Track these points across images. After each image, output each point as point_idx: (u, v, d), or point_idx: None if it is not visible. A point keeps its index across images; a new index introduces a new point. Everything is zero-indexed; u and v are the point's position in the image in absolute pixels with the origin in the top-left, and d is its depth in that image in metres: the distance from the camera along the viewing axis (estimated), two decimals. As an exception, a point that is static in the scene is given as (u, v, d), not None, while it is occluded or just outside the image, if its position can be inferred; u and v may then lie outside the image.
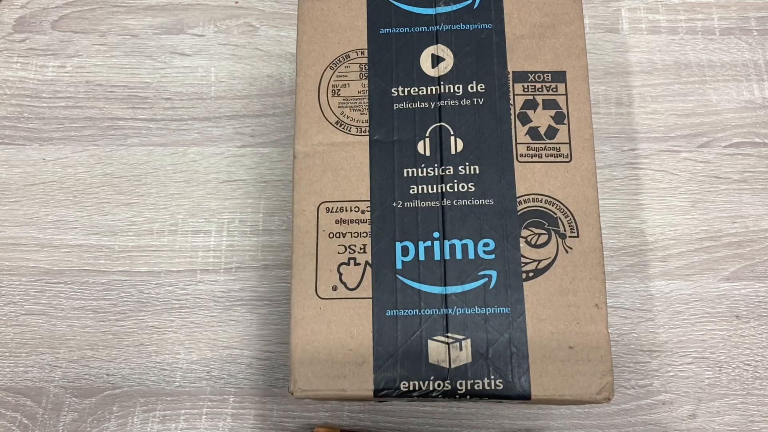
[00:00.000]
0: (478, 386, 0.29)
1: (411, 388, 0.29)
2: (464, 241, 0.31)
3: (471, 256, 0.31)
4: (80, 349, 0.42)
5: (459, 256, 0.31)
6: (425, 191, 0.32)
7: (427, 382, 0.29)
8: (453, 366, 0.29)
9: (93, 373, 0.42)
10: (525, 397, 0.29)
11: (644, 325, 0.42)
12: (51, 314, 0.43)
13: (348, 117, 0.34)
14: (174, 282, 0.43)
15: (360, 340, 0.30)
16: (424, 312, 0.30)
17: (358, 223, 0.32)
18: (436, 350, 0.29)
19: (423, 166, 0.32)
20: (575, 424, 0.40)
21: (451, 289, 0.30)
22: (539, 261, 0.30)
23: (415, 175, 0.32)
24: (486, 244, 0.31)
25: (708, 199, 0.44)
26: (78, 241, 0.44)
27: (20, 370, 0.42)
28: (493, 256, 0.31)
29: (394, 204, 0.32)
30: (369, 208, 0.32)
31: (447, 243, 0.31)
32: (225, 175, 0.45)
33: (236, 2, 0.49)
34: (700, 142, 0.45)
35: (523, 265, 0.30)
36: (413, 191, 0.32)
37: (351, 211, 0.32)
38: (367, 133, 0.33)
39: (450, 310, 0.30)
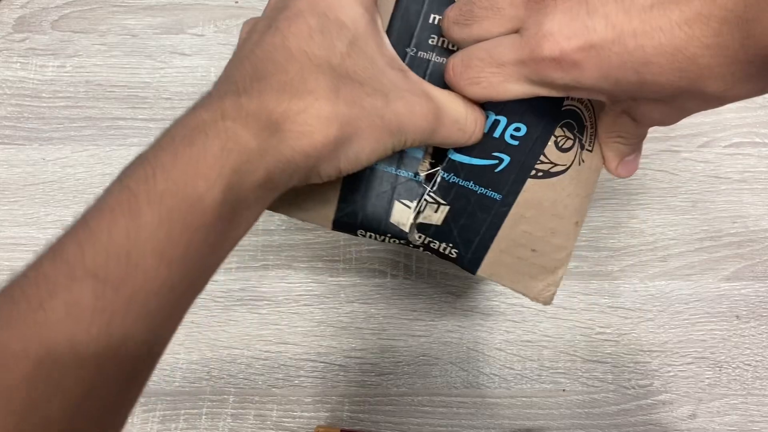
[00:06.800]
0: (434, 245, 0.29)
1: (368, 238, 0.29)
2: (498, 117, 0.28)
3: (496, 134, 0.28)
4: (80, 349, 0.42)
5: (485, 129, 0.28)
6: None
7: (383, 237, 0.29)
8: (420, 221, 0.29)
9: (93, 373, 0.42)
10: (470, 271, 0.29)
11: (644, 325, 0.42)
12: (51, 314, 0.43)
13: None
14: (174, 282, 0.43)
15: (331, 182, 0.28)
16: (399, 173, 0.29)
17: None
18: (400, 212, 0.29)
19: None
20: (575, 424, 0.40)
21: (459, 157, 0.28)
22: (554, 165, 0.29)
23: None
24: (517, 129, 0.28)
25: (708, 199, 0.44)
26: (78, 241, 0.44)
27: (20, 370, 0.42)
28: (517, 143, 0.28)
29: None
30: None
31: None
32: (225, 175, 0.45)
33: (236, 2, 0.49)
34: (700, 142, 0.45)
35: (538, 163, 0.29)
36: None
37: None
38: None
39: (446, 175, 0.29)
